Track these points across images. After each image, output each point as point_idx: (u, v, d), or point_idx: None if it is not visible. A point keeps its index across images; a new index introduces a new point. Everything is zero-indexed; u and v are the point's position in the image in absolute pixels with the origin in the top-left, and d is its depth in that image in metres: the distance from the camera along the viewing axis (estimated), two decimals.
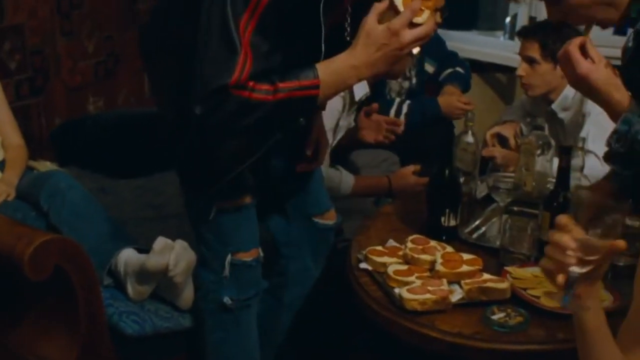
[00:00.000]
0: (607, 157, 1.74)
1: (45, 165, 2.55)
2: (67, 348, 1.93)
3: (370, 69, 1.67)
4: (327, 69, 1.66)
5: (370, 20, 1.64)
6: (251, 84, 1.63)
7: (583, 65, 1.69)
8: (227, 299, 2.00)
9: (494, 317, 1.70)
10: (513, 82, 3.80)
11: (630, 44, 1.66)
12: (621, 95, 1.71)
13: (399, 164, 3.10)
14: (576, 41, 1.73)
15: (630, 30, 1.67)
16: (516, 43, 2.98)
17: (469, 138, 2.39)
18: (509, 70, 3.57)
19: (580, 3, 1.67)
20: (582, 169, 2.20)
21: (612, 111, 1.71)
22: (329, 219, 2.30)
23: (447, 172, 2.15)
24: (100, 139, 2.81)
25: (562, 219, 1.31)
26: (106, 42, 3.01)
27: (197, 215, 2.00)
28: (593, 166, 2.33)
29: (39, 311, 1.96)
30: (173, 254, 2.00)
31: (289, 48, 1.69)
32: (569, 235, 1.29)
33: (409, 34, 1.63)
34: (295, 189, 2.23)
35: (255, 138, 1.82)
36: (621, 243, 1.27)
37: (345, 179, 2.72)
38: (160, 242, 2.01)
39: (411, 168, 2.80)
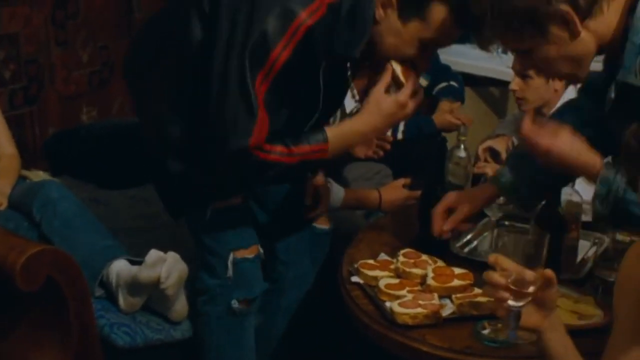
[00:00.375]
0: (596, 219, 1.75)
1: (38, 175, 2.55)
2: (58, 359, 1.93)
3: (376, 133, 1.99)
4: (336, 134, 1.87)
5: (379, 92, 1.86)
6: (267, 146, 1.80)
7: (542, 143, 1.74)
8: (234, 302, 2.05)
9: (485, 332, 1.71)
10: (506, 96, 3.82)
11: (612, 95, 1.67)
12: (589, 157, 1.74)
13: (391, 176, 3.11)
14: (527, 123, 1.75)
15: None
16: (509, 57, 2.99)
17: (461, 152, 2.41)
18: (502, 84, 3.59)
19: (546, 57, 1.67)
20: (573, 184, 2.21)
21: (588, 175, 1.75)
22: (325, 223, 2.36)
23: (438, 186, 2.17)
24: (94, 149, 2.81)
25: (492, 257, 1.42)
26: (101, 51, 3.02)
27: (194, 221, 2.07)
28: (584, 181, 2.34)
29: (30, 322, 1.95)
30: (165, 266, 2.00)
31: (292, 106, 1.86)
32: (500, 273, 1.39)
33: (412, 104, 1.88)
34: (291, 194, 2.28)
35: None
36: (548, 272, 1.38)
37: (336, 192, 2.73)
38: (153, 254, 2.01)
39: (402, 181, 2.81)
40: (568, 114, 2.01)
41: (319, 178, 2.33)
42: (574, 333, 1.71)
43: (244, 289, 2.06)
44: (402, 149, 3.11)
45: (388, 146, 2.78)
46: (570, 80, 1.85)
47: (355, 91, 2.82)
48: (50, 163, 2.81)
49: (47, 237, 2.16)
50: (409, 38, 1.85)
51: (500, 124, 3.19)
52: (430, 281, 1.88)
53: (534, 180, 2.00)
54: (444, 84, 3.47)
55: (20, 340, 1.97)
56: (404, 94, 1.86)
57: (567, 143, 1.74)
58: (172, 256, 2.04)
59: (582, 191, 2.18)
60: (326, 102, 1.92)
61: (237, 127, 1.77)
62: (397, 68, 1.88)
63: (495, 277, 1.40)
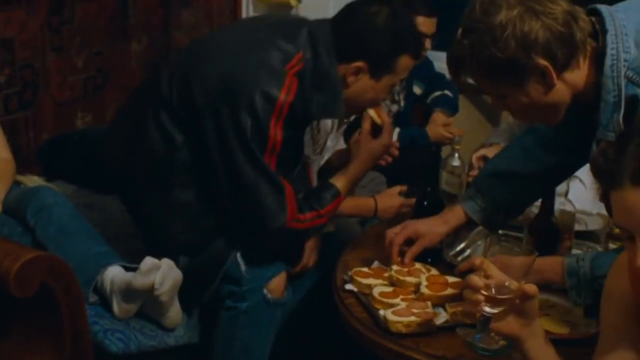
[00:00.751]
0: (586, 312, 1.78)
1: (33, 180, 2.54)
2: None
3: (366, 172, 2.29)
4: (343, 185, 2.21)
5: (367, 139, 2.20)
6: (301, 216, 2.08)
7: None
8: (265, 291, 2.11)
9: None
10: None
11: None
12: (548, 264, 1.79)
13: (385, 184, 3.12)
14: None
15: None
16: None
17: (456, 161, 2.43)
18: None
19: (520, 104, 1.70)
20: (566, 193, 2.23)
21: (557, 278, 1.78)
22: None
23: (432, 194, 2.17)
24: (88, 155, 2.81)
25: (478, 259, 1.48)
26: (96, 57, 3.02)
27: None
28: (577, 190, 2.36)
29: (24, 328, 1.95)
30: (159, 273, 2.00)
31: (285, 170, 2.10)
32: (480, 276, 1.44)
33: (392, 142, 2.26)
34: None
35: None
36: (532, 288, 1.41)
37: None
38: (148, 261, 2.01)
39: (397, 189, 2.82)
40: (529, 135, 2.06)
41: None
42: (566, 342, 1.73)
43: (259, 275, 2.12)
44: (399, 157, 3.11)
45: (396, 153, 2.78)
46: (543, 124, 1.90)
47: None
48: (45, 168, 2.80)
49: (41, 242, 2.15)
50: (383, 89, 2.14)
51: (494, 132, 3.21)
52: (423, 289, 1.88)
53: (502, 201, 2.04)
54: (438, 93, 3.49)
55: (14, 345, 1.96)
56: (386, 136, 2.20)
57: (520, 267, 1.68)
58: (166, 263, 2.04)
59: (575, 201, 2.20)
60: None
61: (271, 208, 2.02)
62: (372, 113, 2.18)
63: (475, 279, 1.45)
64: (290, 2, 3.63)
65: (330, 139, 2.84)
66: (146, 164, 2.16)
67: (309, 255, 2.31)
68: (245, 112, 1.96)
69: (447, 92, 3.50)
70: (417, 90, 3.50)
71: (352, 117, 2.81)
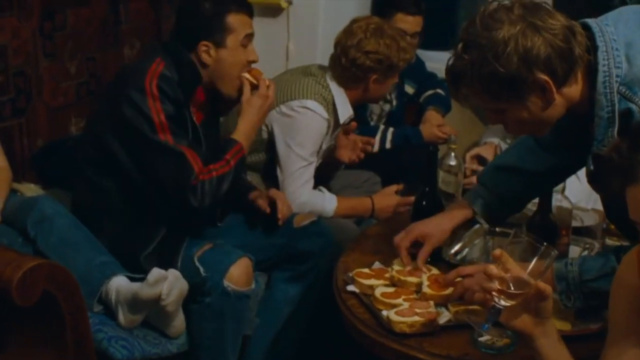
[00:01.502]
0: (579, 315, 1.78)
1: (29, 188, 2.54)
2: None
3: (257, 124, 2.42)
4: (239, 134, 2.35)
5: (247, 96, 2.38)
6: (211, 166, 2.24)
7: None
8: (226, 283, 2.19)
9: (482, 339, 1.72)
10: None
11: (590, 166, 1.71)
12: None
13: (380, 184, 3.13)
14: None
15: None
16: None
17: (452, 160, 2.44)
18: None
19: (518, 118, 1.70)
20: (563, 190, 2.24)
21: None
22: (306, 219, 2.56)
23: (430, 194, 2.18)
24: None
25: (497, 251, 1.45)
26: (88, 63, 3.01)
27: None
28: (572, 185, 2.37)
29: (26, 336, 1.94)
30: (166, 284, 2.01)
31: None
32: (496, 266, 1.43)
33: (272, 91, 2.41)
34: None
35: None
36: (547, 288, 1.41)
37: (329, 201, 2.74)
38: (155, 273, 2.01)
39: (394, 188, 2.84)
40: (530, 137, 2.07)
41: (257, 193, 2.56)
42: (569, 339, 1.73)
43: (211, 268, 2.22)
44: (391, 157, 3.13)
45: (370, 148, 2.87)
46: (533, 135, 1.92)
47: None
48: (40, 175, 2.79)
49: (43, 253, 2.14)
50: (235, 49, 2.37)
51: (487, 131, 3.22)
52: (425, 289, 1.89)
53: (505, 195, 2.06)
54: (430, 92, 3.50)
55: (17, 354, 1.96)
56: (263, 89, 2.38)
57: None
58: (173, 273, 2.05)
59: (570, 195, 2.21)
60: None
61: (176, 170, 2.20)
62: (247, 76, 2.39)
63: (492, 268, 1.44)
64: (281, 5, 3.63)
65: (326, 142, 2.85)
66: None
67: (284, 201, 2.50)
68: (126, 107, 2.21)
69: (439, 90, 3.51)
70: (409, 89, 3.51)
71: (348, 119, 2.83)
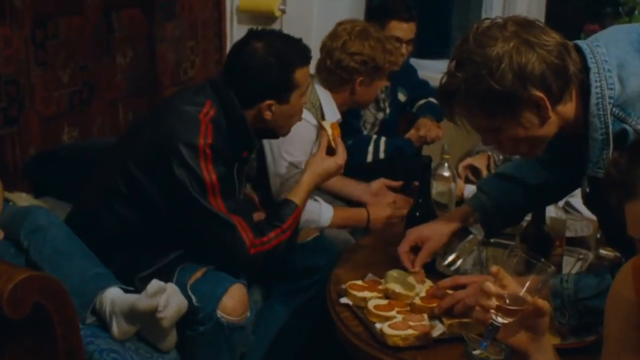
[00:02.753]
0: (571, 331, 1.78)
1: (21, 198, 2.53)
2: None
3: (317, 185, 2.38)
4: (299, 197, 2.29)
5: (322, 154, 2.32)
6: (265, 238, 2.18)
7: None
8: (219, 314, 2.13)
9: (476, 352, 1.70)
10: None
11: (587, 189, 1.72)
12: None
13: None
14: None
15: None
16: None
17: (445, 171, 2.44)
18: None
19: (513, 137, 1.69)
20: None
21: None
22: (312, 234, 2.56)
23: (424, 204, 2.18)
24: (75, 169, 2.79)
25: (494, 268, 1.44)
26: (81, 71, 3.00)
27: None
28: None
29: (17, 348, 1.92)
30: (164, 296, 1.99)
31: None
32: (493, 283, 1.41)
33: (344, 160, 2.35)
34: None
35: None
36: (545, 304, 1.39)
37: (325, 211, 2.74)
38: (154, 284, 1.99)
39: (390, 198, 2.85)
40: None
41: (259, 214, 2.53)
42: (564, 351, 1.73)
43: (201, 297, 2.15)
44: (384, 167, 3.13)
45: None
46: (526, 156, 1.91)
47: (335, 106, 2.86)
48: (32, 184, 2.78)
49: (36, 264, 2.13)
50: (297, 104, 2.33)
51: (480, 140, 3.22)
52: (416, 300, 1.89)
53: (503, 203, 2.06)
54: (423, 101, 3.51)
55: None
56: (341, 158, 2.33)
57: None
58: (171, 287, 2.03)
59: (577, 204, 2.22)
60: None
61: (228, 246, 2.15)
62: (329, 130, 2.34)
63: (489, 285, 1.42)
64: (275, 13, 3.63)
65: (315, 146, 2.85)
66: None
67: None
68: (176, 165, 2.12)
69: (431, 99, 3.51)
70: (401, 97, 3.52)
71: (340, 121, 2.83)
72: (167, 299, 1.99)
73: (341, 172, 2.38)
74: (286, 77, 2.24)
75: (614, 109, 1.62)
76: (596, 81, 1.63)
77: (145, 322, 2.06)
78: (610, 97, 1.62)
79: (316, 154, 2.34)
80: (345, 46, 2.78)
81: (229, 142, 2.22)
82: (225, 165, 2.19)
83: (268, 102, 2.24)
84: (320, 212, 2.73)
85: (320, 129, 2.36)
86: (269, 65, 2.22)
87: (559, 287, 1.73)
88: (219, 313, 2.13)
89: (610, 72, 1.63)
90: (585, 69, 1.65)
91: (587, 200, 1.78)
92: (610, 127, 1.62)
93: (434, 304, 1.87)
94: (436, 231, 2.03)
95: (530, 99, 1.62)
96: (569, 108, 1.67)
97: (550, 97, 1.62)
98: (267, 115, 2.27)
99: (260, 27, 2.39)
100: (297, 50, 2.29)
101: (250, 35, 2.31)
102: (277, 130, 2.37)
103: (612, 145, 1.63)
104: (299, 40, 2.32)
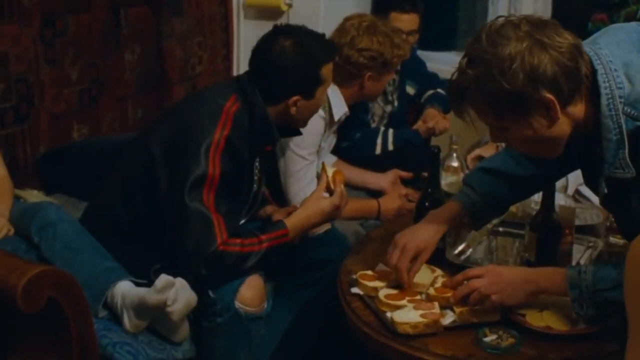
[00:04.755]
0: (588, 321, 1.77)
1: (32, 194, 2.54)
2: None
3: (315, 226, 2.32)
4: (291, 221, 2.25)
5: (319, 194, 2.29)
6: (239, 240, 2.13)
7: (491, 295, 1.78)
8: (237, 305, 2.14)
9: (487, 340, 1.73)
10: None
11: (604, 190, 1.71)
12: (547, 274, 1.80)
13: None
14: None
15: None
16: None
17: (454, 161, 2.45)
18: None
19: (522, 137, 1.68)
20: (565, 189, 2.24)
21: (558, 289, 1.76)
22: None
23: (433, 195, 2.19)
24: (86, 166, 2.81)
25: None
26: (90, 69, 3.02)
27: None
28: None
29: (31, 343, 1.95)
30: (172, 291, 2.01)
31: (234, 201, 2.24)
32: None
33: (343, 204, 2.30)
34: None
35: None
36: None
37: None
38: (163, 279, 2.01)
39: (403, 191, 2.86)
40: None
41: (272, 207, 2.55)
42: (571, 338, 1.75)
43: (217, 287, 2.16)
44: (393, 158, 3.14)
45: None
46: (541, 156, 1.87)
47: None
48: (43, 181, 2.80)
49: (47, 259, 2.14)
50: (321, 98, 2.39)
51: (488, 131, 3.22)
52: (430, 290, 1.90)
53: (490, 196, 2.06)
54: (430, 92, 3.50)
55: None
56: (337, 198, 2.28)
57: (513, 278, 1.80)
58: (180, 282, 2.04)
59: (586, 192, 2.22)
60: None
61: (200, 236, 2.11)
62: (329, 174, 2.30)
63: None
64: (281, 8, 3.64)
65: (324, 139, 2.86)
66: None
67: None
68: (190, 151, 2.14)
69: (439, 90, 3.51)
70: (410, 90, 3.52)
71: (343, 116, 2.84)
72: (175, 293, 2.01)
73: (339, 214, 2.32)
74: (313, 74, 2.28)
75: (625, 108, 1.61)
76: (604, 82, 1.62)
77: (155, 316, 2.07)
78: (620, 97, 1.61)
79: (313, 193, 2.32)
80: (353, 42, 2.79)
81: (250, 137, 2.23)
82: (239, 160, 2.20)
83: (295, 98, 2.28)
84: None
85: (322, 170, 2.34)
86: (298, 64, 2.25)
87: (577, 279, 1.72)
88: (237, 304, 2.14)
89: (617, 71, 1.62)
90: (592, 70, 1.64)
91: (605, 201, 1.77)
92: (624, 126, 1.61)
93: (449, 294, 1.88)
94: (429, 241, 1.99)
95: (541, 101, 1.60)
96: (579, 109, 1.65)
97: (560, 99, 1.61)
98: (293, 110, 2.30)
99: (284, 23, 2.42)
100: (323, 47, 2.33)
101: (278, 32, 2.32)
102: (300, 124, 2.41)
103: (627, 145, 1.61)
104: (323, 36, 2.36)
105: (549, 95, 1.60)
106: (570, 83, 1.60)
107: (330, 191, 2.30)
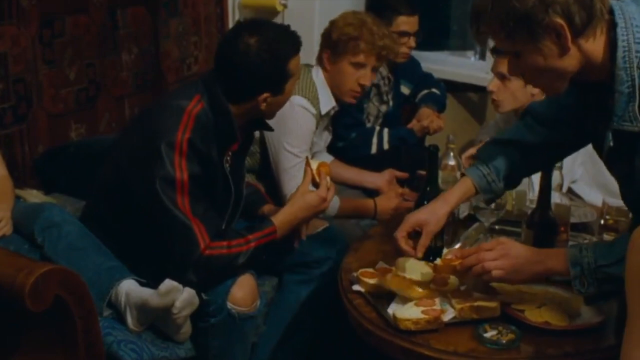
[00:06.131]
0: (590, 301, 1.82)
1: (31, 194, 2.56)
2: None
3: (302, 220, 2.30)
4: (278, 218, 2.24)
5: (304, 188, 2.27)
6: (225, 242, 2.12)
7: (494, 271, 1.81)
8: (230, 306, 2.14)
9: (487, 335, 1.76)
10: (485, 102, 3.90)
11: (610, 142, 1.72)
12: (549, 253, 1.83)
13: None
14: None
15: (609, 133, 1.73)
16: (487, 63, 3.07)
17: (451, 160, 2.48)
18: (481, 89, 3.66)
19: (533, 64, 1.70)
20: (561, 187, 2.28)
21: (561, 269, 1.79)
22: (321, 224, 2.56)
23: (431, 193, 2.21)
24: (84, 166, 2.82)
25: None
26: (87, 69, 3.03)
27: None
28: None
29: (38, 340, 1.96)
30: (180, 299, 2.04)
31: (213, 202, 2.21)
32: None
33: (329, 196, 2.28)
34: None
35: None
36: None
37: (332, 201, 2.77)
38: (167, 284, 2.02)
39: (398, 190, 2.89)
40: (528, 115, 2.11)
41: (270, 207, 2.54)
42: (570, 333, 1.78)
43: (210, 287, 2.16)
44: (389, 158, 3.17)
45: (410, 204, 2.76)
46: (547, 92, 1.91)
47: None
48: (42, 181, 2.82)
49: (50, 259, 2.16)
50: (291, 90, 2.34)
51: (482, 129, 3.26)
52: (438, 260, 1.94)
53: (502, 168, 2.07)
54: (425, 92, 3.53)
55: (28, 358, 1.98)
56: (323, 190, 2.26)
57: (521, 255, 1.83)
58: (188, 291, 2.07)
59: (579, 190, 2.25)
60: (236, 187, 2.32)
61: (182, 243, 2.10)
62: (313, 168, 2.28)
63: None
64: (276, 8, 3.66)
65: (316, 135, 2.89)
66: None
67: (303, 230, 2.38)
68: (154, 160, 2.10)
69: (434, 90, 3.54)
70: (404, 90, 3.55)
71: (332, 110, 2.88)
72: (183, 303, 2.05)
73: (326, 206, 2.29)
74: (281, 69, 2.23)
75: None
76: (623, 34, 1.65)
77: (159, 316, 2.10)
78: (637, 52, 1.64)
79: (299, 188, 2.29)
80: (335, 19, 2.88)
81: (215, 137, 2.20)
82: (207, 161, 2.16)
83: (264, 95, 2.23)
84: None
85: (306, 165, 2.30)
86: (264, 62, 2.19)
87: (579, 256, 1.75)
88: (230, 304, 2.15)
89: (638, 27, 1.65)
90: (613, 26, 1.67)
91: (609, 158, 1.79)
92: (637, 80, 1.64)
93: (456, 262, 1.89)
94: (434, 214, 2.02)
95: (550, 25, 1.63)
96: (591, 47, 1.67)
97: (571, 27, 1.63)
98: (263, 106, 2.26)
99: (248, 18, 2.39)
100: (289, 41, 2.26)
101: (241, 28, 2.27)
102: (269, 117, 2.36)
103: (638, 99, 1.64)
104: (288, 28, 2.30)
105: (559, 20, 1.62)
106: (582, 12, 1.63)
107: (316, 184, 2.28)
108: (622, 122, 1.67)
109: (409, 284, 1.88)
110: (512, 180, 2.12)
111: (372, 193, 3.03)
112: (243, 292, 2.17)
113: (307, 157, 2.39)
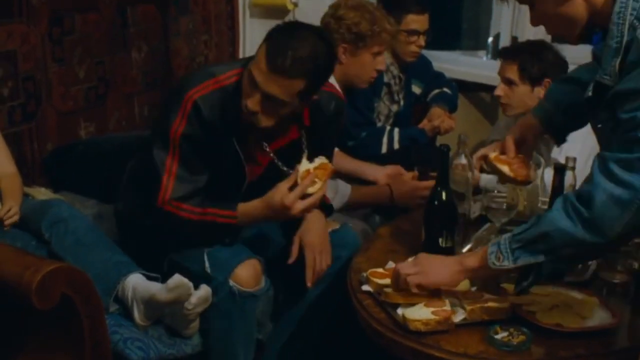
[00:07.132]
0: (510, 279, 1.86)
1: (40, 192, 2.56)
2: None
3: (269, 219, 2.23)
4: (243, 209, 2.19)
5: (279, 188, 2.13)
6: (182, 205, 2.16)
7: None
8: (232, 283, 2.16)
9: (498, 337, 1.74)
10: (496, 102, 3.84)
11: (590, 94, 1.75)
12: (470, 258, 1.83)
13: None
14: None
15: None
16: (499, 63, 3.04)
17: (462, 159, 2.44)
18: (493, 89, 3.61)
19: (544, 12, 1.75)
20: (573, 187, 2.25)
21: (480, 263, 1.79)
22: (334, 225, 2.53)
23: (443, 193, 2.19)
24: (93, 164, 2.82)
25: None
26: (97, 67, 3.03)
27: None
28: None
29: (44, 339, 1.96)
30: (196, 296, 2.04)
31: (214, 172, 2.21)
32: None
33: (299, 205, 2.12)
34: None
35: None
36: None
37: (342, 188, 2.75)
38: (176, 279, 2.02)
39: (409, 175, 2.87)
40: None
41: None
42: (582, 335, 1.76)
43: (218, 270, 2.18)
44: (399, 157, 3.14)
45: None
46: (562, 38, 1.92)
47: None
48: (51, 179, 2.81)
49: (58, 255, 2.16)
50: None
51: (494, 129, 3.24)
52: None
53: (563, 102, 2.10)
54: (436, 91, 3.51)
55: (35, 356, 1.98)
56: (289, 198, 2.10)
57: (440, 259, 1.89)
58: (205, 289, 2.08)
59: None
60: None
61: (153, 189, 2.18)
62: (311, 168, 2.12)
63: None
64: (287, 6, 3.65)
65: None
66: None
67: (320, 259, 2.35)
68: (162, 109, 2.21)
69: (445, 89, 3.52)
70: (415, 89, 3.52)
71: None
72: (198, 300, 2.05)
73: (290, 215, 2.15)
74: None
75: (634, 21, 1.65)
76: None
77: (165, 312, 2.09)
78: (633, 9, 1.65)
79: (278, 186, 2.15)
80: (336, 12, 2.85)
81: (233, 113, 2.15)
82: (208, 129, 2.14)
83: None
84: (338, 190, 2.74)
85: (297, 163, 2.18)
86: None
87: (496, 240, 1.77)
88: (231, 282, 2.16)
89: None
90: None
91: (588, 107, 1.82)
92: (626, 37, 1.66)
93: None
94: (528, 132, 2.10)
95: None
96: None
97: None
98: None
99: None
100: None
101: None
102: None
103: (621, 55, 1.66)
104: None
105: None
106: None
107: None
108: (604, 75, 1.70)
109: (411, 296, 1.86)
110: (577, 118, 2.10)
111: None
112: (247, 274, 2.19)
113: (304, 154, 2.25)
